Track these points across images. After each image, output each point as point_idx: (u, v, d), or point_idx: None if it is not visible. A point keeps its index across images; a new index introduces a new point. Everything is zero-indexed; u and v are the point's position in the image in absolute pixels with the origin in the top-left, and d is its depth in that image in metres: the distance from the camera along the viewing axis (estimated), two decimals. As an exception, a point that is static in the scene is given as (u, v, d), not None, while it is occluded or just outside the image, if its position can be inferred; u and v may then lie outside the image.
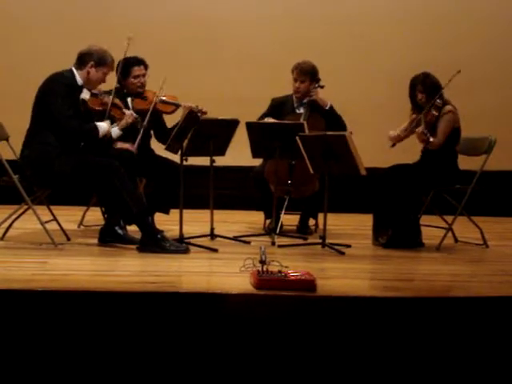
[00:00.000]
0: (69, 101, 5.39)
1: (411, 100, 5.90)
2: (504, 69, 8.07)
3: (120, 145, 5.80)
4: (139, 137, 5.80)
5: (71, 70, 5.49)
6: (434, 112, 5.73)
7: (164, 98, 6.02)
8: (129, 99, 6.04)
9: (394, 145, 5.86)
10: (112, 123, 5.67)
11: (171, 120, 6.12)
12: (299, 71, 6.35)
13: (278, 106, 6.47)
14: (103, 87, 5.78)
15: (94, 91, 5.66)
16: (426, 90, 5.79)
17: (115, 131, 5.64)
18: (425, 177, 5.79)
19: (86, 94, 5.60)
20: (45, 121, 5.38)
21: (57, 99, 5.35)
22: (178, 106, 6.05)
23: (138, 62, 6.02)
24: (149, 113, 5.87)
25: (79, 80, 5.49)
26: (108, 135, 5.54)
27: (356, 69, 7.98)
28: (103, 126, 5.52)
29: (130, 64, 5.98)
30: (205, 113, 5.98)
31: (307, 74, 6.34)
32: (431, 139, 5.65)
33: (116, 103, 5.76)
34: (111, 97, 5.72)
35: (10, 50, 7.81)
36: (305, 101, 6.40)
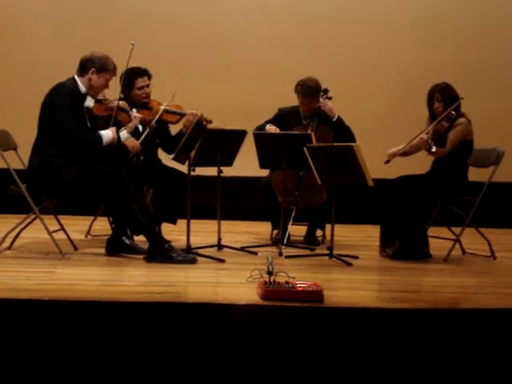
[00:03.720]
0: (73, 111, 5.38)
1: (428, 108, 5.88)
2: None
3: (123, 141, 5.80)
4: (145, 134, 5.78)
5: (73, 79, 5.49)
6: (444, 123, 5.71)
7: (169, 108, 6.02)
8: (134, 110, 6.05)
9: (388, 161, 5.82)
10: (119, 128, 5.68)
11: (175, 130, 6.15)
12: (303, 96, 6.29)
13: (284, 117, 6.46)
14: (108, 95, 5.79)
15: (98, 97, 5.66)
16: (443, 100, 5.77)
17: (124, 135, 5.67)
18: (433, 188, 5.77)
19: (90, 102, 5.60)
20: (50, 132, 5.39)
21: (60, 111, 5.33)
22: (182, 115, 6.06)
23: (142, 72, 6.02)
24: (154, 120, 5.86)
25: (82, 88, 5.49)
26: (114, 142, 5.51)
27: (363, 79, 7.99)
28: (107, 133, 5.47)
29: (133, 75, 5.98)
30: (209, 122, 5.99)
31: (311, 96, 6.29)
32: (433, 149, 5.63)
33: (122, 107, 5.77)
34: (116, 101, 5.73)
35: (17, 60, 7.84)
36: (313, 113, 6.40)
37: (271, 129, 6.30)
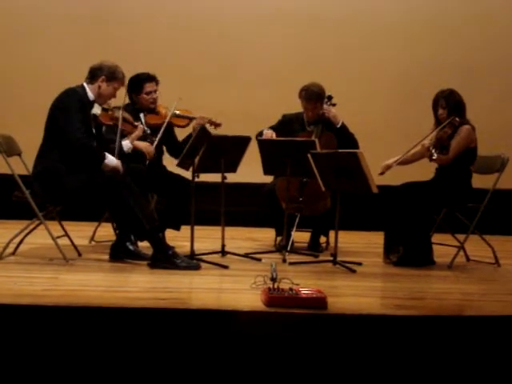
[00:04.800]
0: (81, 116, 5.41)
1: (434, 114, 5.88)
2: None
3: (137, 143, 5.81)
4: (159, 136, 5.82)
5: (82, 86, 5.53)
6: (448, 130, 5.71)
7: (178, 112, 6.06)
8: (141, 115, 6.09)
9: (382, 173, 5.81)
10: (123, 137, 5.71)
11: (183, 133, 6.16)
12: (308, 101, 6.30)
13: (288, 123, 6.47)
14: (114, 103, 5.81)
15: (105, 106, 5.70)
16: (447, 106, 5.77)
17: (126, 144, 5.73)
18: (437, 195, 5.77)
19: (97, 109, 5.64)
20: (55, 137, 5.40)
21: (69, 114, 5.37)
22: (191, 119, 6.11)
23: (150, 78, 6.08)
24: (163, 127, 5.90)
25: (90, 95, 5.53)
26: (116, 170, 5.46)
27: (368, 86, 7.98)
28: (112, 159, 5.46)
29: (142, 80, 6.06)
30: (219, 125, 6.03)
31: (316, 100, 6.31)
32: (434, 156, 5.62)
33: (125, 117, 5.79)
34: (121, 111, 5.75)
35: (22, 66, 7.86)
36: (317, 119, 6.40)
37: (268, 133, 6.28)
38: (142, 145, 5.86)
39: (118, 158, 5.55)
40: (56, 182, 5.37)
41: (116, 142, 5.61)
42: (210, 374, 4.07)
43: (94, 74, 5.53)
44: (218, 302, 4.54)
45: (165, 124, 5.93)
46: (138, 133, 5.80)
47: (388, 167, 5.82)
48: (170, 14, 7.99)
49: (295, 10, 8.03)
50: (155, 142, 5.87)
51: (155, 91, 6.11)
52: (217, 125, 6.07)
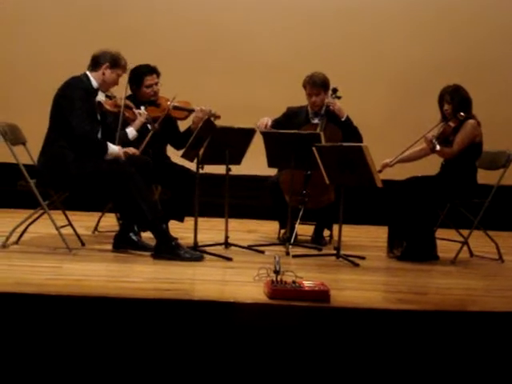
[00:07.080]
0: (86, 105, 5.43)
1: (440, 109, 5.88)
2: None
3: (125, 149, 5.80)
4: (145, 141, 5.80)
5: (86, 74, 5.54)
6: (452, 124, 5.70)
7: (177, 105, 6.04)
8: (142, 107, 6.05)
9: (380, 171, 5.79)
10: (126, 125, 5.71)
11: (185, 124, 6.16)
12: (312, 85, 6.30)
13: (292, 116, 6.46)
14: (115, 90, 5.82)
15: (108, 93, 5.71)
16: (452, 102, 5.77)
17: (131, 132, 5.76)
18: (442, 190, 5.76)
19: (101, 96, 5.65)
20: (61, 125, 5.41)
21: (73, 103, 5.38)
22: (191, 111, 6.08)
23: (150, 70, 6.04)
24: (160, 118, 5.89)
25: (94, 83, 5.54)
26: (120, 157, 5.48)
27: (372, 79, 7.96)
28: (114, 148, 5.49)
29: (142, 73, 6.01)
30: (218, 117, 6.01)
31: (320, 86, 6.31)
32: (437, 148, 5.62)
33: (128, 105, 5.79)
34: (123, 99, 5.75)
35: (27, 56, 7.85)
36: (322, 112, 6.39)
37: (263, 121, 6.25)
38: (129, 151, 5.75)
39: (122, 145, 5.55)
40: (63, 168, 5.37)
41: (118, 131, 5.61)
42: (213, 365, 4.07)
43: (96, 62, 5.54)
44: (220, 294, 4.53)
45: (162, 115, 5.91)
46: (142, 119, 5.81)
47: (385, 166, 5.85)
48: (174, 5, 7.97)
49: (299, 3, 8.01)
50: (143, 143, 5.80)
51: (156, 83, 6.06)
52: (216, 117, 6.02)
